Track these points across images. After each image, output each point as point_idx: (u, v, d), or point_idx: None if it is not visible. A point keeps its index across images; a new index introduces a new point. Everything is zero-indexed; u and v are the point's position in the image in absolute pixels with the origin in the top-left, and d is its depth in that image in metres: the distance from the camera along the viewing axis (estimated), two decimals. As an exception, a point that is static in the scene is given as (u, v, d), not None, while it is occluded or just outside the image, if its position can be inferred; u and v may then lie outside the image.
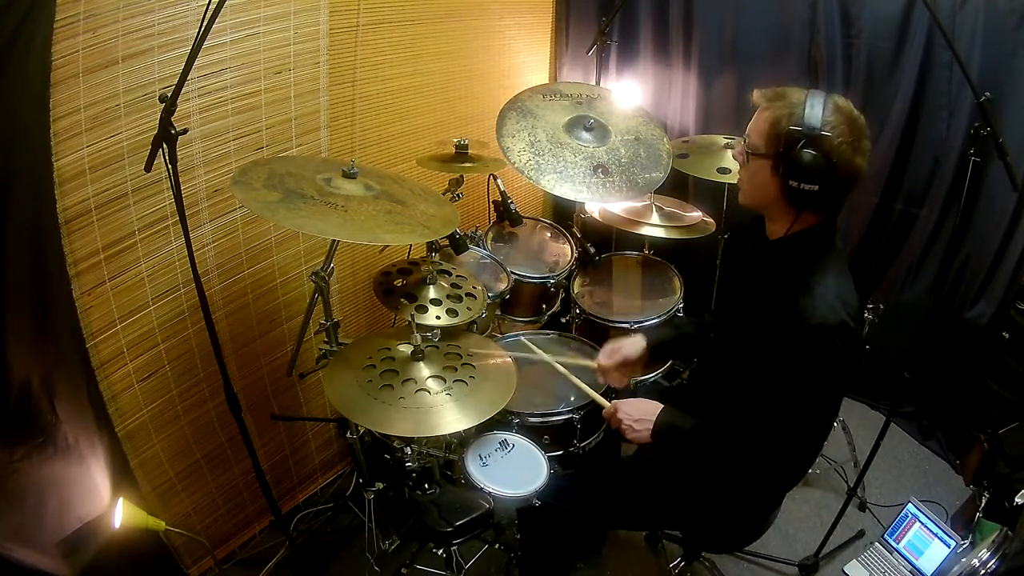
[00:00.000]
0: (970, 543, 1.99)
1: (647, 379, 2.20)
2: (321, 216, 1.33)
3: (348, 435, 1.73)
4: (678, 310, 2.24)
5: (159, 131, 1.19)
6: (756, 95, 1.24)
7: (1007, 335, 2.24)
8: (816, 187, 1.14)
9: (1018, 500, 1.85)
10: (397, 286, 1.75)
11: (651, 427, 1.38)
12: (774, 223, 1.29)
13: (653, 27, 2.73)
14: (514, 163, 1.99)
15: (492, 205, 2.26)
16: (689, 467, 1.46)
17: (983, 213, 2.28)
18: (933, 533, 2.07)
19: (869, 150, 1.19)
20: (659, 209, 2.42)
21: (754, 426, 1.24)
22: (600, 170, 2.05)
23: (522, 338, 1.97)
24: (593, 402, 1.79)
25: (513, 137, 2.05)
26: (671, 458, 1.50)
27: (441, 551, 1.60)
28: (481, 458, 1.60)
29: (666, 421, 1.38)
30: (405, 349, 1.51)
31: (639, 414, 1.41)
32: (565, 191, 1.99)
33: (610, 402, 1.50)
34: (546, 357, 1.68)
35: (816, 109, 1.14)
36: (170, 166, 1.23)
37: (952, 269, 2.40)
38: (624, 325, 2.13)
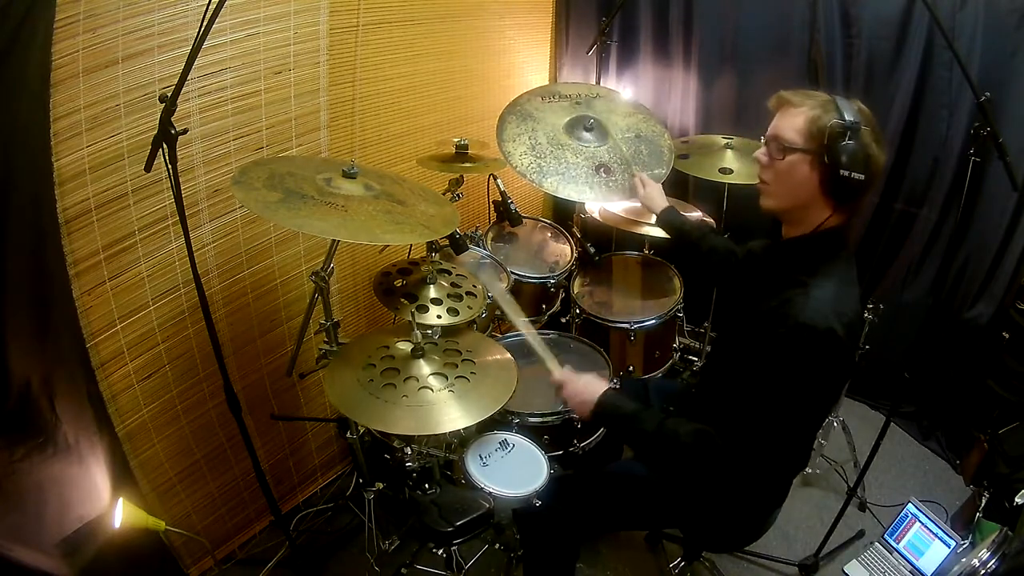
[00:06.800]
0: (970, 543, 1.99)
1: (647, 379, 2.21)
2: (321, 216, 1.33)
3: (348, 435, 1.73)
4: (678, 310, 2.24)
5: (159, 131, 1.19)
6: (782, 95, 1.27)
7: (1007, 335, 2.24)
8: (863, 176, 1.17)
9: (1018, 500, 1.85)
10: (397, 286, 1.74)
11: (593, 402, 1.37)
12: (796, 224, 1.29)
13: (653, 27, 2.73)
14: (516, 167, 1.99)
15: (492, 205, 2.26)
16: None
17: (983, 213, 2.28)
18: (933, 533, 2.07)
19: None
20: (659, 209, 2.43)
21: (732, 422, 1.21)
22: (602, 169, 2.05)
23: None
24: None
25: (514, 141, 2.04)
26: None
27: (441, 551, 1.60)
28: (481, 458, 1.60)
29: (607, 402, 1.37)
30: (404, 347, 1.51)
31: (584, 386, 1.41)
32: (569, 193, 1.99)
33: (563, 373, 1.47)
34: (516, 320, 1.66)
35: (849, 107, 1.19)
36: (170, 166, 1.23)
37: (952, 269, 2.40)
38: (624, 325, 2.13)
